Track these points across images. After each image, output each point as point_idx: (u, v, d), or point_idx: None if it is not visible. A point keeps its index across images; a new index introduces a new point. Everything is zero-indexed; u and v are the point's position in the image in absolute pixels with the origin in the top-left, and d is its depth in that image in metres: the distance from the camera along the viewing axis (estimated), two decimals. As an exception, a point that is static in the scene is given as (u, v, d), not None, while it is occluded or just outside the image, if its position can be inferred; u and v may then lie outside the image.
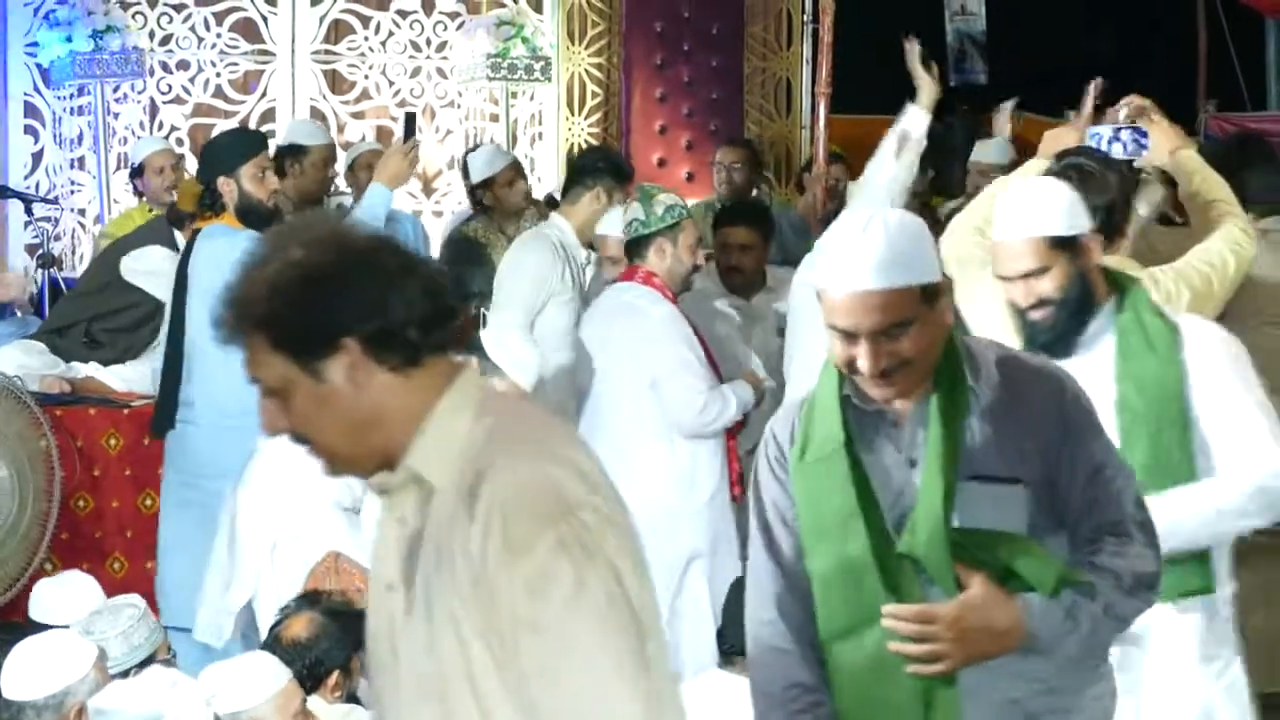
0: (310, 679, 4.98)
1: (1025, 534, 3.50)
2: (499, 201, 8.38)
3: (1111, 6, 11.90)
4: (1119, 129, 5.59)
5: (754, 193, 9.96)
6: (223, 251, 6.84)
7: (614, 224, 7.13)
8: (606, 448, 6.52)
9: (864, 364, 3.45)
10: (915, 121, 6.66)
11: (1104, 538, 3.55)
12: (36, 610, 5.78)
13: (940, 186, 9.80)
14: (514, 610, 2.54)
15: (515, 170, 8.71)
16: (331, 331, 2.60)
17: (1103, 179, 5.14)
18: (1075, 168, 5.15)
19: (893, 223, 3.47)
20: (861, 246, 3.42)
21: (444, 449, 2.63)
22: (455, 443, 2.63)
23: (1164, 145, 5.55)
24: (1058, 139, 5.80)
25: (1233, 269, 5.23)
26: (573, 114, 11.05)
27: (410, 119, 7.80)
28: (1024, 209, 4.37)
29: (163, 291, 7.50)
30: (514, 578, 2.53)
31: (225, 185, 6.91)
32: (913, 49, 6.88)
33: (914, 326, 3.43)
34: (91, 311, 7.68)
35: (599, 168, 7.48)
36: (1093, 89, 5.98)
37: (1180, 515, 4.22)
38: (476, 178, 8.47)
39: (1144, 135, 5.54)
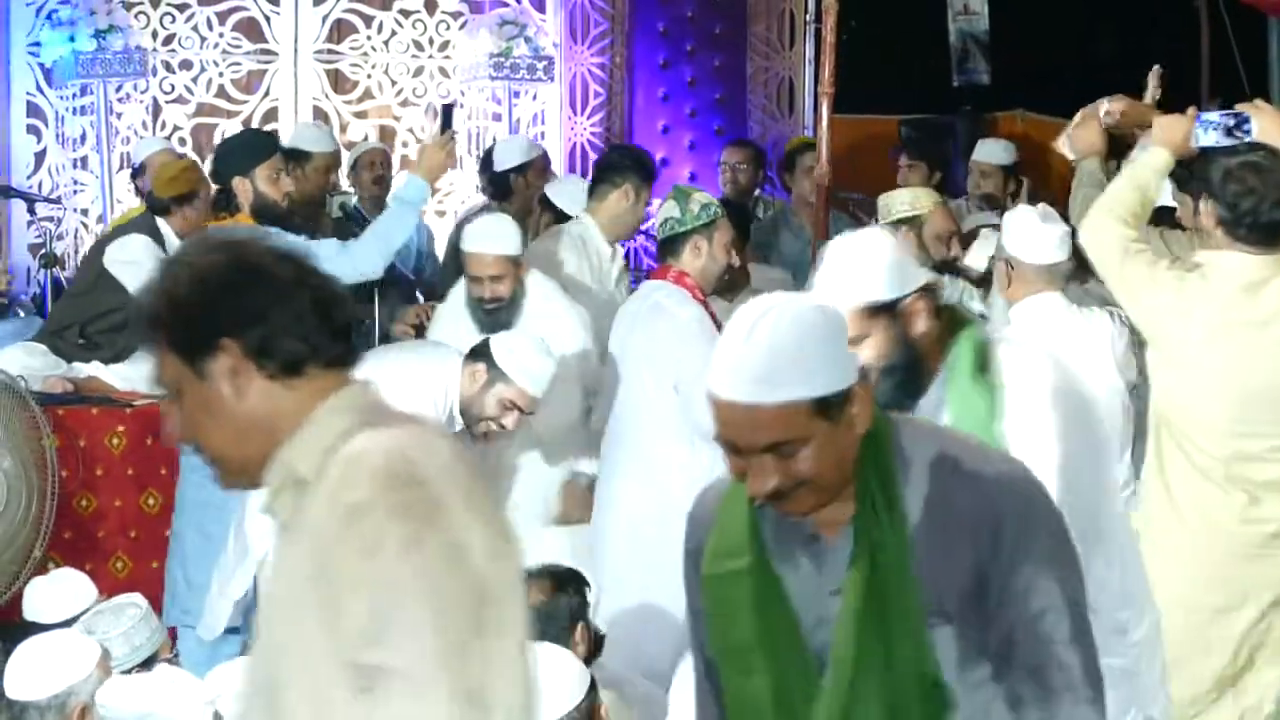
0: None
1: (953, 683, 3.00)
2: (528, 188, 8.40)
3: (1114, 6, 11.89)
4: (1223, 115, 5.52)
5: (757, 193, 9.97)
6: None
7: (486, 241, 6.82)
8: (629, 448, 6.66)
9: (750, 484, 2.99)
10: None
11: (1034, 696, 2.99)
12: (30, 610, 5.78)
13: (940, 187, 9.79)
14: (346, 572, 2.51)
15: (547, 160, 8.76)
16: (212, 330, 2.66)
17: None
18: (1253, 167, 5.13)
19: (784, 323, 2.93)
20: (742, 351, 2.93)
21: (316, 444, 2.64)
22: (328, 438, 2.64)
23: (1271, 131, 5.37)
24: (1170, 127, 5.66)
25: None
26: (575, 114, 11.05)
27: (448, 110, 7.82)
28: (843, 272, 3.75)
29: (138, 282, 7.51)
30: (348, 541, 2.52)
31: (240, 186, 6.95)
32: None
33: (810, 445, 2.93)
34: (85, 314, 7.68)
35: (626, 165, 7.49)
36: (1154, 77, 5.95)
37: None
38: (509, 163, 8.45)
39: (1247, 121, 5.44)
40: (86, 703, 4.64)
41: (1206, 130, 5.47)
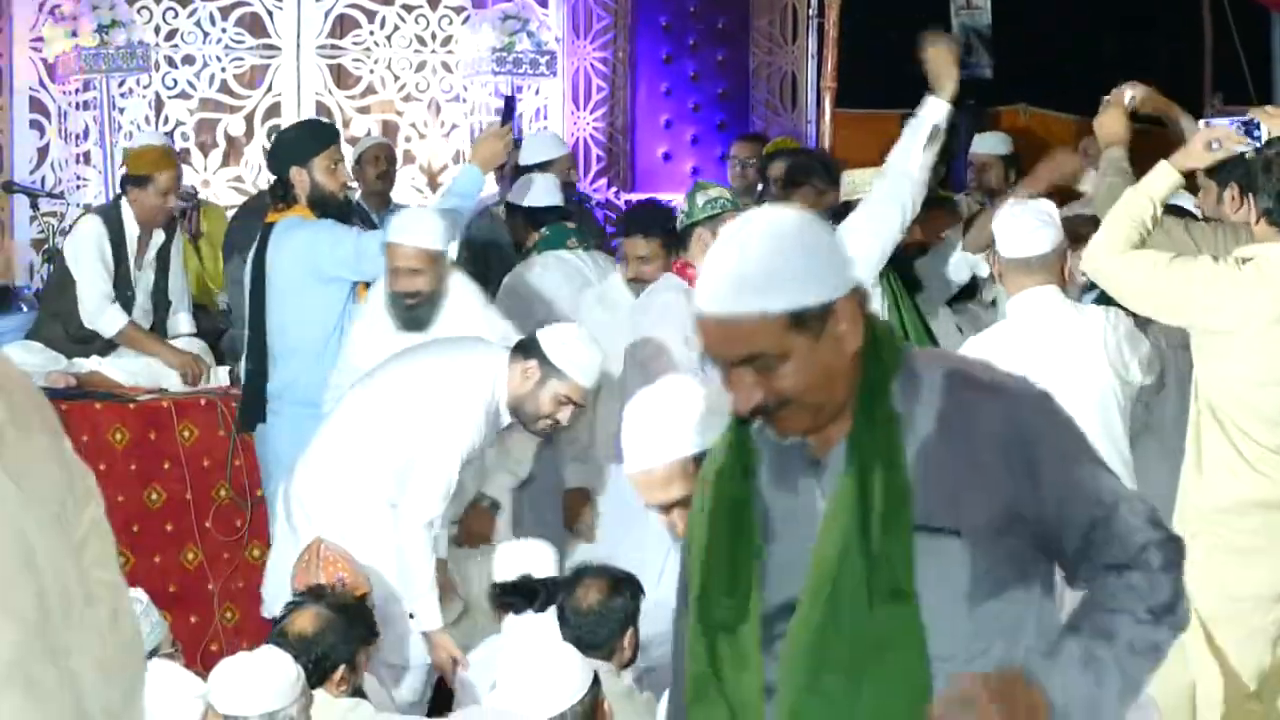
0: (316, 673, 4.99)
1: (966, 603, 2.89)
2: None
3: (1120, 2, 11.89)
4: (1233, 120, 5.55)
5: (760, 187, 9.97)
6: (302, 244, 6.90)
7: (408, 234, 6.72)
8: None
9: (733, 401, 2.91)
10: (941, 112, 6.62)
11: (1106, 576, 2.96)
12: None
13: (945, 181, 9.78)
14: None
15: (573, 159, 8.74)
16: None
17: None
18: None
19: (761, 234, 2.85)
20: (720, 261, 2.85)
21: None
22: None
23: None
24: (1109, 125, 5.96)
25: None
26: (578, 108, 11.05)
27: (510, 102, 7.83)
28: (653, 428, 3.60)
29: (72, 264, 7.53)
30: None
31: (298, 176, 7.00)
32: (937, 41, 6.71)
33: (790, 360, 2.82)
34: (61, 308, 7.69)
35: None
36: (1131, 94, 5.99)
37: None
38: (535, 159, 8.39)
39: (1257, 126, 5.48)
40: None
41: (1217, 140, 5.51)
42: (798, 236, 2.85)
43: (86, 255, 7.64)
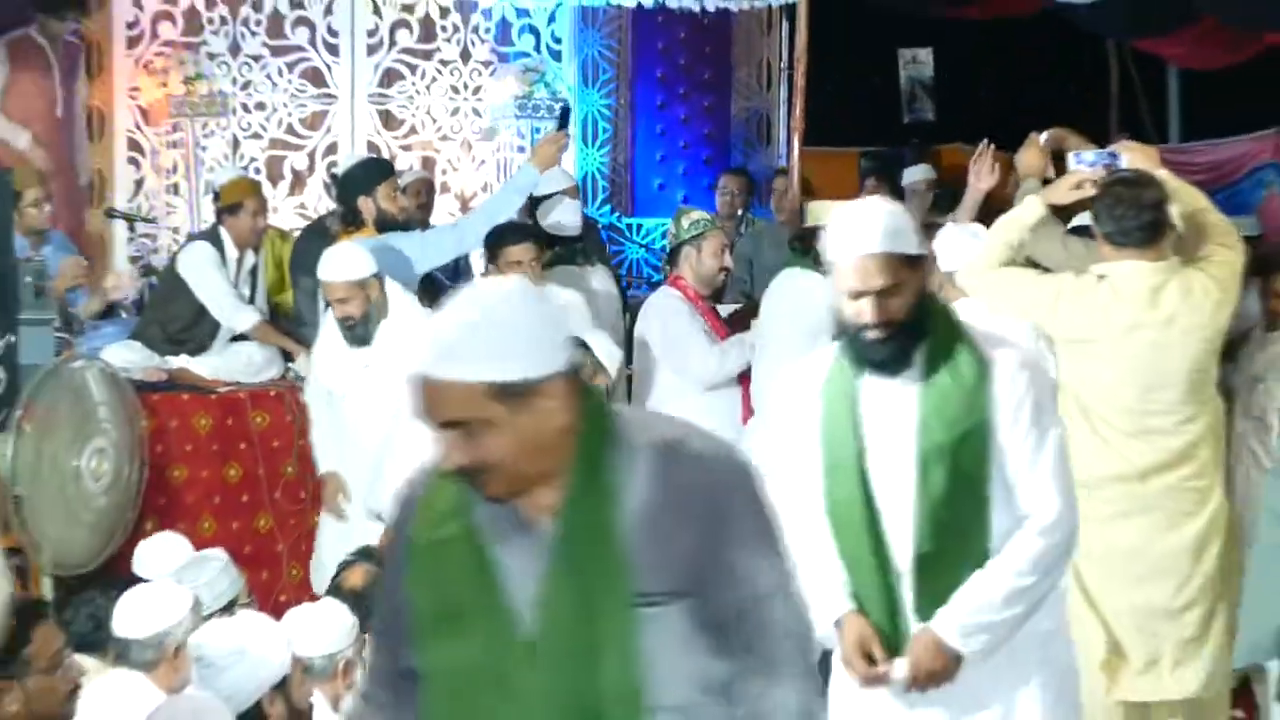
0: (366, 624, 5.01)
1: (683, 658, 2.63)
2: None
3: (1039, 56, 11.91)
4: (1099, 154, 5.56)
5: (742, 213, 10.01)
6: (375, 260, 6.95)
7: (334, 270, 6.64)
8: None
9: (440, 459, 2.61)
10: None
11: (751, 679, 2.66)
12: (139, 566, 5.81)
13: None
14: None
15: (578, 190, 8.75)
16: None
17: (1149, 184, 5.14)
18: (1120, 181, 5.16)
19: (485, 303, 2.57)
20: (437, 326, 2.56)
21: None
22: None
23: (1140, 164, 5.42)
24: (1026, 158, 5.96)
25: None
26: (587, 146, 11.07)
27: (565, 111, 7.81)
28: (878, 224, 3.81)
29: (193, 279, 7.56)
30: None
31: (365, 204, 7.07)
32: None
33: (491, 429, 2.53)
34: (165, 314, 7.73)
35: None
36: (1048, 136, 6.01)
37: (992, 618, 3.81)
38: (548, 190, 8.25)
39: (1117, 158, 5.49)
40: (180, 642, 4.67)
41: (1087, 167, 5.52)
42: (514, 311, 2.55)
43: (208, 271, 7.67)
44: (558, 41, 10.98)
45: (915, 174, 9.90)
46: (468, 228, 7.18)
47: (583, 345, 6.35)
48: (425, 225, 9.16)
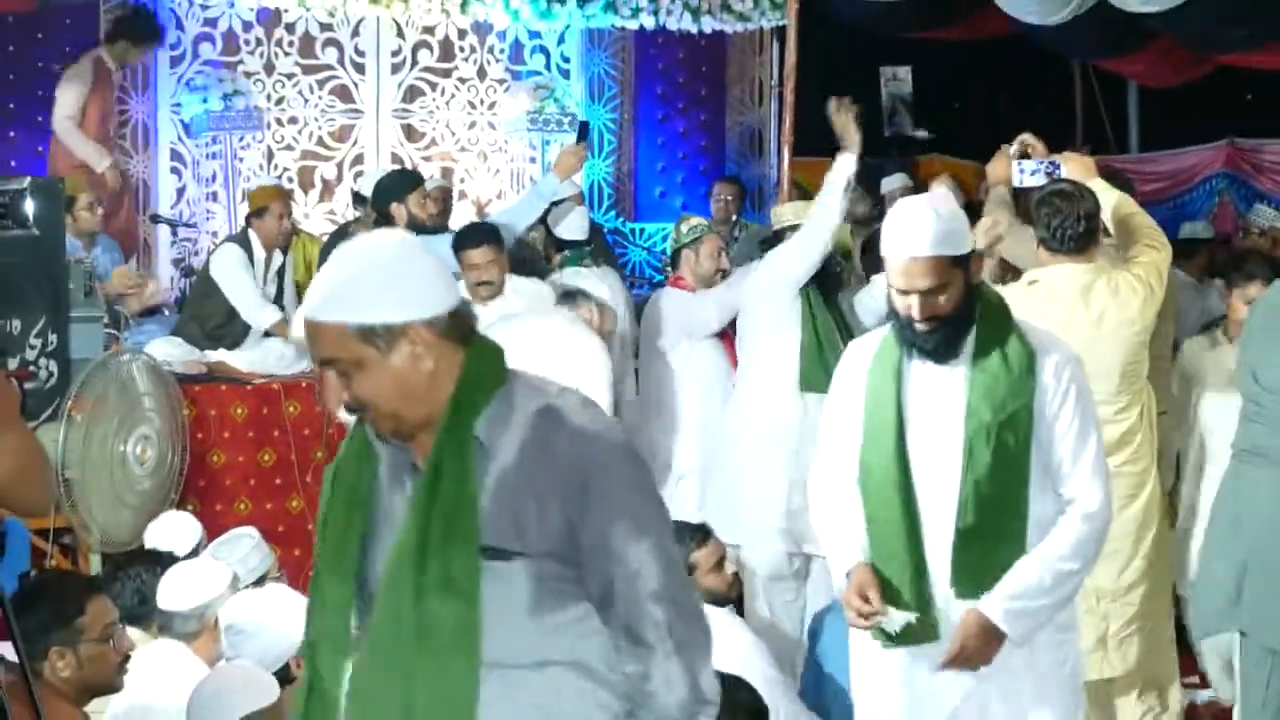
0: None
1: (528, 617, 2.52)
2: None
3: (1009, 74, 11.88)
4: (1040, 161, 5.55)
5: (735, 218, 9.98)
6: None
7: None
8: (659, 399, 7.05)
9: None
10: (850, 166, 6.58)
11: (630, 658, 2.57)
12: (151, 541, 5.76)
13: (882, 215, 9.78)
14: None
15: (582, 197, 8.67)
16: None
17: (1084, 196, 5.11)
18: (1058, 193, 5.13)
19: (359, 253, 2.56)
20: (321, 274, 2.59)
21: None
22: None
23: (1077, 174, 5.42)
24: (994, 166, 5.87)
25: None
26: (593, 156, 11.02)
27: (584, 126, 7.76)
28: (926, 228, 3.71)
29: (221, 279, 7.54)
30: None
31: (397, 210, 7.04)
32: (840, 105, 6.60)
33: (364, 369, 2.52)
34: (201, 312, 7.71)
35: None
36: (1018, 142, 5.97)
37: (1037, 602, 3.74)
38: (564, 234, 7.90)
39: (1058, 167, 5.49)
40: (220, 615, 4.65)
41: (1029, 174, 5.52)
42: (386, 260, 2.54)
43: (235, 272, 7.65)
44: (566, 61, 10.96)
45: (892, 182, 9.87)
46: None
47: (582, 294, 6.35)
48: (445, 229, 9.14)
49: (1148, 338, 5.14)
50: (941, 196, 3.89)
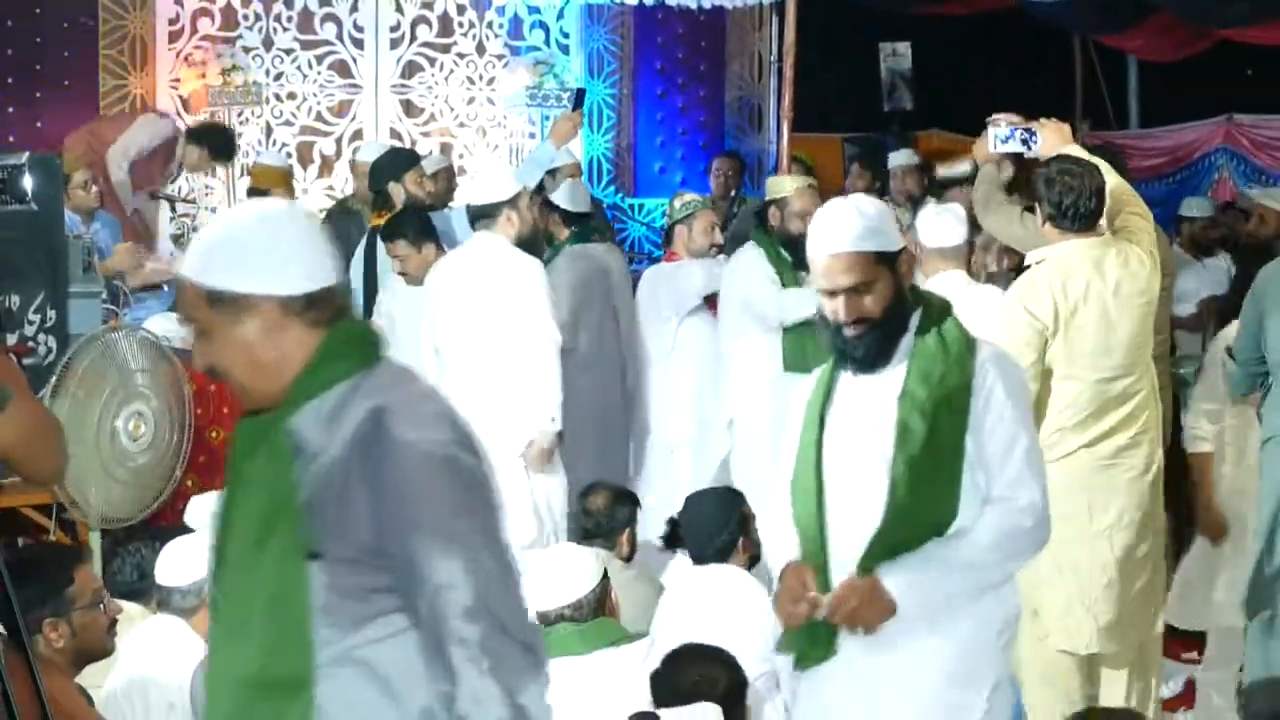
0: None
1: (325, 619, 2.45)
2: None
3: (1008, 49, 11.85)
4: (1015, 128, 5.50)
5: (735, 193, 9.98)
6: None
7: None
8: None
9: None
10: None
11: (441, 666, 2.48)
12: (191, 519, 5.78)
13: (882, 190, 9.75)
14: None
15: (578, 167, 8.60)
16: None
17: (1093, 173, 5.06)
18: (1067, 171, 5.09)
19: (231, 218, 2.55)
20: (198, 234, 2.55)
21: None
22: None
23: (1052, 142, 5.39)
24: (980, 144, 5.79)
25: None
26: (593, 132, 10.99)
27: (580, 94, 7.75)
28: (847, 225, 3.56)
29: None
30: None
31: (395, 189, 7.00)
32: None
33: (212, 334, 2.48)
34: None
35: None
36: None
37: (938, 581, 3.48)
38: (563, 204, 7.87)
39: (1034, 134, 5.45)
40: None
41: (1002, 141, 5.49)
42: (255, 229, 2.49)
43: None
44: (566, 36, 10.92)
45: (899, 158, 9.82)
46: None
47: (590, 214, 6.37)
48: (445, 206, 9.12)
49: (1154, 309, 5.14)
50: (866, 199, 3.71)
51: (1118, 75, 12.13)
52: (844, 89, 11.54)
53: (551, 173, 7.83)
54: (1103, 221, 5.13)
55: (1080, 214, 5.02)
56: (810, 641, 3.60)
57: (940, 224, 5.83)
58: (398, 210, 7.23)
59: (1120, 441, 5.04)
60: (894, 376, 3.55)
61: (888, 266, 3.54)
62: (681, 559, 5.74)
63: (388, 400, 2.46)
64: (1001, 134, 5.47)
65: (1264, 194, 7.03)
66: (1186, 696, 6.21)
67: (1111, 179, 5.22)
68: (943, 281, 5.77)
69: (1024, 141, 5.41)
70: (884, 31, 11.96)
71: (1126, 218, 5.16)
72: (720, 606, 4.83)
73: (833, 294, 3.54)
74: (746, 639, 4.58)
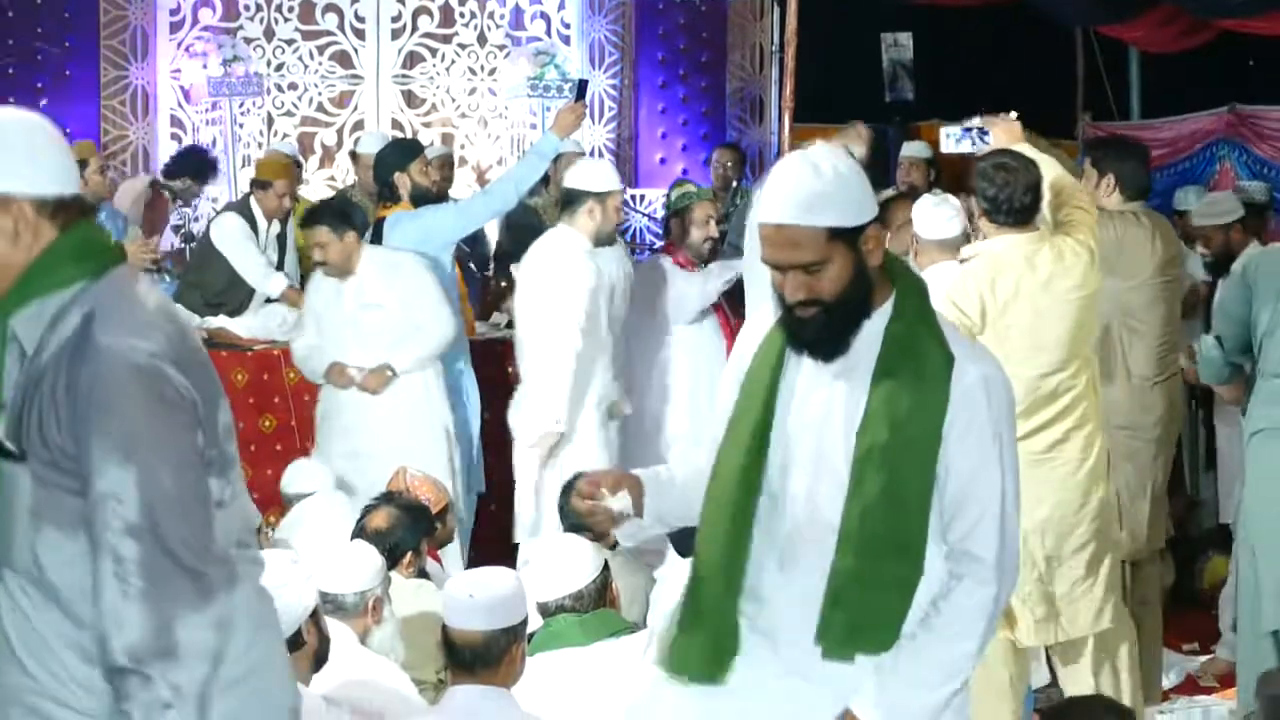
0: (389, 559, 4.96)
1: (29, 525, 2.42)
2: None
3: (1009, 40, 11.82)
4: (966, 128, 5.52)
5: (736, 184, 9.95)
6: (412, 231, 6.88)
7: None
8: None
9: None
10: None
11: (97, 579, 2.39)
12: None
13: (883, 181, 9.73)
14: None
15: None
16: None
17: (1028, 168, 5.07)
18: (1001, 165, 5.08)
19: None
20: None
21: None
22: None
23: (1002, 141, 5.37)
24: (1002, 132, 5.78)
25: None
26: (594, 123, 10.98)
27: (583, 84, 7.73)
28: (794, 190, 2.93)
29: (226, 249, 7.53)
30: None
31: (400, 179, 7.00)
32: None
33: None
34: (202, 279, 7.72)
35: None
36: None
37: (923, 696, 2.97)
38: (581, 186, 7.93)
39: (985, 132, 5.47)
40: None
41: (955, 140, 5.50)
42: (7, 130, 2.51)
43: (239, 241, 7.67)
44: (567, 27, 10.92)
45: (910, 149, 9.75)
46: (497, 193, 7.12)
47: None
48: (445, 196, 9.11)
49: (1094, 303, 5.11)
50: (833, 153, 3.02)
51: (1119, 66, 12.08)
52: (845, 80, 11.51)
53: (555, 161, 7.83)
54: (1046, 215, 5.11)
55: (1014, 209, 5.00)
56: (702, 660, 3.08)
57: (938, 215, 5.81)
58: (318, 202, 7.28)
59: (1053, 436, 5.00)
60: (856, 375, 2.99)
61: (846, 243, 2.93)
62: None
63: (99, 305, 2.44)
64: (954, 133, 5.50)
65: (1198, 214, 7.00)
66: (1186, 687, 6.21)
67: (1053, 172, 5.22)
68: (939, 272, 5.76)
69: (976, 140, 5.42)
70: (885, 22, 11.93)
71: (1070, 211, 5.14)
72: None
73: (776, 268, 2.97)
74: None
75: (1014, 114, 5.96)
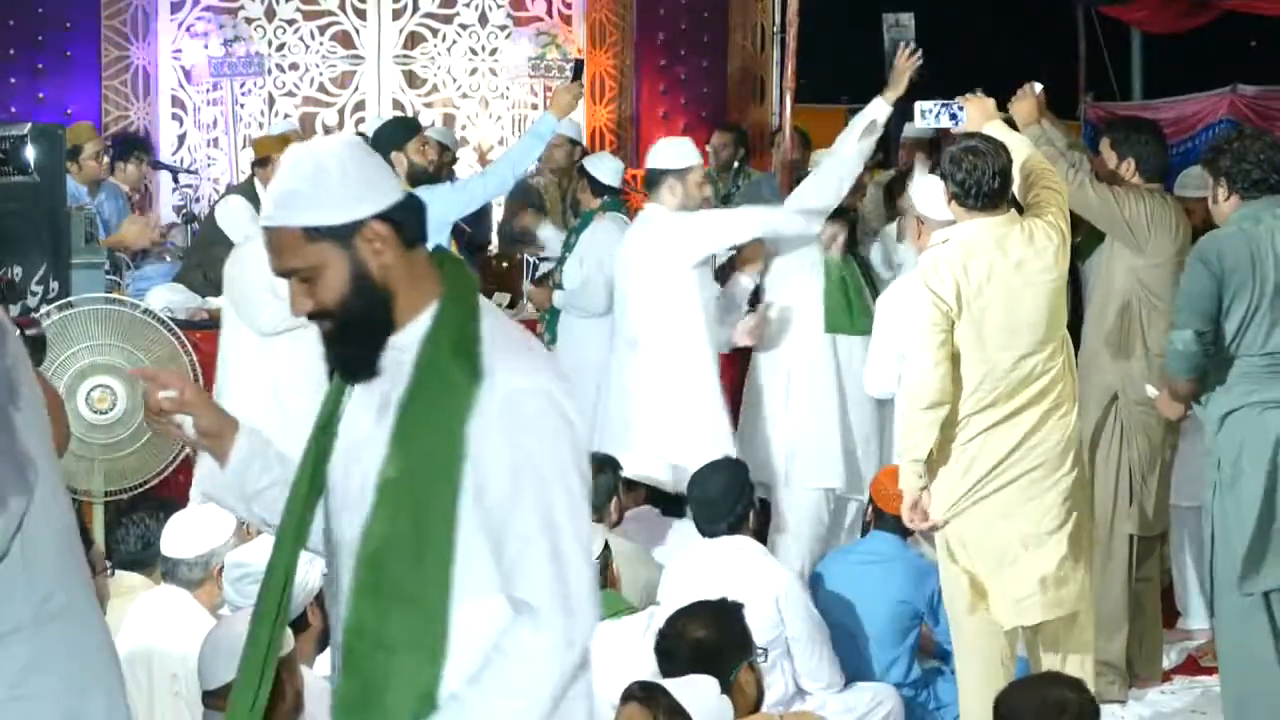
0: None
1: None
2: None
3: (1011, 19, 11.83)
4: (941, 105, 5.52)
5: (737, 165, 9.94)
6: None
7: None
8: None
9: None
10: (883, 111, 6.61)
11: None
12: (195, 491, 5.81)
13: (885, 162, 9.72)
14: None
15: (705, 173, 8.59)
16: None
17: (998, 152, 5.07)
18: (971, 149, 5.07)
19: None
20: None
21: None
22: None
23: (976, 119, 5.39)
24: (1022, 106, 5.89)
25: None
26: (595, 103, 10.98)
27: (579, 64, 7.72)
28: (279, 185, 2.63)
29: (233, 231, 7.53)
30: None
31: (397, 158, 6.96)
32: (904, 50, 6.65)
33: None
34: (205, 259, 7.71)
35: None
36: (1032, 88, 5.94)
37: None
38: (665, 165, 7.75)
39: (960, 110, 5.47)
40: (222, 563, 4.64)
41: (930, 116, 5.51)
42: None
43: (244, 224, 7.64)
44: (568, 7, 10.90)
45: (914, 129, 9.75)
46: (495, 174, 7.12)
47: None
48: (442, 176, 9.11)
49: (1064, 284, 5.11)
50: (338, 140, 2.72)
51: (1121, 46, 12.08)
52: (847, 60, 11.51)
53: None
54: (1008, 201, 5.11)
55: (983, 192, 4.98)
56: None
57: (939, 197, 5.81)
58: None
59: (1030, 420, 5.02)
60: (393, 400, 2.57)
61: (336, 244, 2.54)
62: (679, 526, 5.76)
63: None
64: (929, 109, 5.51)
65: (1180, 187, 7.00)
66: (1187, 667, 6.22)
67: (1024, 153, 5.21)
68: (926, 262, 5.77)
69: (951, 118, 5.43)
70: (887, 2, 11.92)
71: (1040, 192, 5.13)
72: (731, 576, 4.85)
73: (281, 277, 2.61)
74: (758, 607, 4.63)
75: (1039, 86, 6.00)
